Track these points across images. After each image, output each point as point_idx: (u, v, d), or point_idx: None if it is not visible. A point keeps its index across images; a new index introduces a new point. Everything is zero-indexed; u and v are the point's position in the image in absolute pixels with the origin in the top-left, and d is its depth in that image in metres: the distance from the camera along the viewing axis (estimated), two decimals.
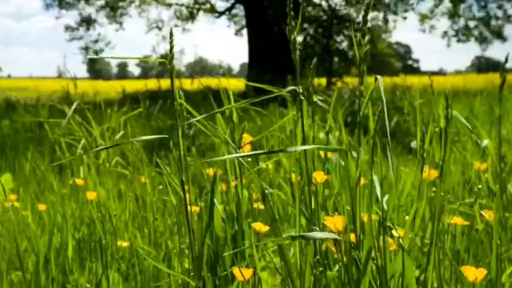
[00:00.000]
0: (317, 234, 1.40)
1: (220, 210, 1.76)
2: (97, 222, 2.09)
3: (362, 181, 1.59)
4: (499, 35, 20.03)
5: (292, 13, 1.62)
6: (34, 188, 3.51)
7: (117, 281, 1.96)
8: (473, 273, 1.47)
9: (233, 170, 1.91)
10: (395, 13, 19.63)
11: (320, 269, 1.47)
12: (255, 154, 1.44)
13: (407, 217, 2.04)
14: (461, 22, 19.90)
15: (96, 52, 21.52)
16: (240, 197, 1.79)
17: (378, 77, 1.49)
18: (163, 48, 22.38)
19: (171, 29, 1.64)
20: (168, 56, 1.65)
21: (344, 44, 19.60)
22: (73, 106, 4.20)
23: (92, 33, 21.89)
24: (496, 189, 2.28)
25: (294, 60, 1.64)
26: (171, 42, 1.64)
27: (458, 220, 1.74)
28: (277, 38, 17.11)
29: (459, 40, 20.34)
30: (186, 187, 1.76)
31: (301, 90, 1.66)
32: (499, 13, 19.48)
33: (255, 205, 1.91)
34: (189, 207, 1.72)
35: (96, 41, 21.60)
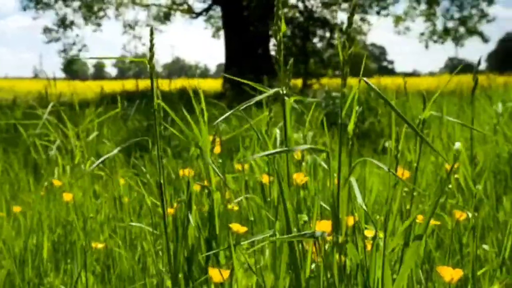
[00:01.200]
0: (301, 235, 1.40)
1: (194, 212, 1.75)
2: (75, 223, 2.07)
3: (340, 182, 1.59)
4: (477, 33, 20.22)
5: (279, 13, 1.61)
6: (8, 190, 3.46)
7: (92, 283, 1.95)
8: (449, 273, 1.48)
9: (208, 171, 1.90)
10: (378, 13, 19.71)
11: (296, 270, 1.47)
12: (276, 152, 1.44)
13: (378, 217, 2.06)
14: (438, 23, 20.08)
15: (75, 56, 21.39)
16: (214, 199, 1.78)
17: (364, 78, 1.50)
18: (136, 47, 22.25)
19: (151, 28, 1.63)
20: (149, 55, 1.64)
21: (320, 46, 19.67)
22: (49, 107, 4.16)
23: (69, 34, 21.73)
24: (466, 189, 2.31)
25: (279, 61, 1.63)
26: (151, 41, 1.62)
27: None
28: (254, 39, 17.15)
29: (435, 41, 20.51)
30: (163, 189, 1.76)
31: (284, 92, 1.65)
32: (475, 12, 19.69)
33: (229, 206, 1.91)
34: (165, 210, 1.72)
35: (73, 44, 21.42)
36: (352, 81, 1.66)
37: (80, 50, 21.54)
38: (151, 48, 1.63)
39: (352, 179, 1.40)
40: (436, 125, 4.32)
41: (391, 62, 76.06)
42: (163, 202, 1.66)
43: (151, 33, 1.63)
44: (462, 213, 1.86)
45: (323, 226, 1.45)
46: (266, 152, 1.39)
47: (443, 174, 2.68)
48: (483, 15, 19.50)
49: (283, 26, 1.57)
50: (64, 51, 21.63)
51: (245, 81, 1.70)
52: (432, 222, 1.76)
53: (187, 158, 4.32)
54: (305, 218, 1.68)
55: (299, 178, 1.81)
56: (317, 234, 1.38)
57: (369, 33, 24.31)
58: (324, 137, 4.07)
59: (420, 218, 1.74)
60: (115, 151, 1.69)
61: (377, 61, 71.03)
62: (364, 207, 1.37)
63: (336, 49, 1.51)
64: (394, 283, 1.38)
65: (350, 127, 1.53)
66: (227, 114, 1.65)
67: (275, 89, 1.61)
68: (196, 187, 1.93)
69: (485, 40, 20.39)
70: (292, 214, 1.49)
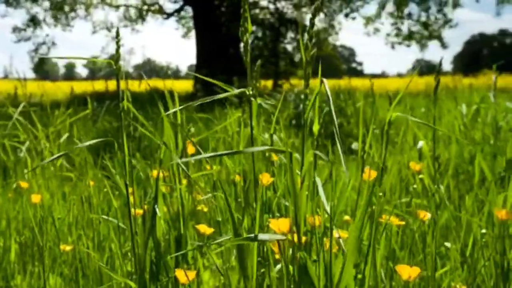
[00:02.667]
0: (263, 236, 1.40)
1: (161, 213, 1.74)
2: (43, 225, 2.05)
3: (306, 182, 1.60)
4: (437, 38, 20.46)
5: (246, 14, 1.60)
6: None
7: (60, 285, 1.93)
8: (407, 271, 1.50)
9: (177, 172, 1.90)
10: (346, 15, 19.83)
11: (262, 270, 1.47)
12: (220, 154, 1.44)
13: (346, 217, 2.08)
14: (404, 26, 20.26)
15: (44, 55, 21.15)
16: (183, 200, 1.78)
17: (324, 80, 1.50)
18: (112, 49, 22.03)
19: (117, 29, 1.62)
20: (114, 57, 1.62)
21: (291, 47, 19.74)
22: (20, 108, 4.10)
23: (39, 34, 21.45)
24: (430, 189, 2.34)
25: (246, 62, 1.63)
26: (117, 42, 1.61)
27: (393, 220, 1.78)
28: (224, 40, 17.13)
29: (400, 43, 20.70)
30: (130, 190, 1.74)
31: (251, 92, 1.65)
32: (439, 17, 19.92)
33: (198, 207, 1.91)
34: (132, 210, 1.71)
35: (43, 43, 21.16)
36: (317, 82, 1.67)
37: (49, 49, 21.30)
38: (117, 50, 1.62)
39: (317, 179, 1.41)
40: (404, 126, 4.37)
41: (360, 64, 76.66)
42: (129, 203, 1.65)
43: (117, 35, 1.62)
44: (426, 213, 1.88)
45: (281, 225, 1.45)
46: (220, 153, 1.38)
47: (408, 174, 2.71)
48: (447, 20, 19.76)
49: (250, 27, 1.57)
50: (35, 50, 21.37)
51: (215, 82, 1.70)
52: (397, 222, 1.78)
53: (157, 159, 4.29)
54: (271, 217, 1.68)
55: (265, 178, 1.81)
56: (261, 237, 1.38)
57: (339, 35, 24.44)
58: (293, 138, 4.09)
59: (384, 218, 1.76)
60: (80, 145, 1.68)
61: (347, 63, 71.53)
62: (327, 207, 1.37)
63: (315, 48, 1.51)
64: (357, 283, 1.39)
65: (315, 127, 1.54)
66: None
67: (240, 89, 1.61)
68: (164, 188, 1.92)
69: (444, 45, 20.65)
70: (258, 214, 1.50)
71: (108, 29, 21.43)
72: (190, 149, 1.98)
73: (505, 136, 3.89)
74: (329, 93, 1.48)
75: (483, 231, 2.03)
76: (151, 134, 1.87)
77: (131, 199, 1.73)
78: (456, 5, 19.54)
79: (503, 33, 70.79)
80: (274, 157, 2.25)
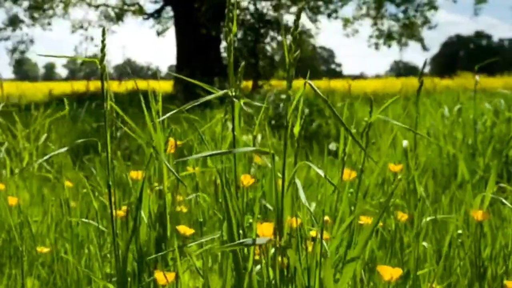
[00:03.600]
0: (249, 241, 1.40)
1: (146, 214, 1.72)
2: (20, 227, 2.02)
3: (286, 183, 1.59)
4: (418, 40, 20.58)
5: (230, 15, 1.59)
6: None
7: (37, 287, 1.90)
8: (389, 272, 1.50)
9: (158, 174, 1.88)
10: (329, 15, 19.86)
11: (243, 271, 1.47)
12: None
13: (326, 217, 2.07)
14: (384, 27, 20.34)
15: (22, 52, 20.93)
16: (165, 201, 1.76)
17: (309, 82, 1.50)
18: (86, 48, 21.76)
19: (103, 29, 1.60)
20: (100, 56, 1.60)
21: (271, 48, 19.75)
22: None
23: (18, 33, 21.22)
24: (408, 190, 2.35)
25: (229, 62, 1.62)
26: (103, 42, 1.59)
27: (371, 221, 1.77)
28: (205, 41, 17.07)
29: (377, 44, 20.78)
30: (112, 191, 1.73)
31: (233, 94, 1.64)
32: (418, 18, 20.03)
33: (178, 208, 1.89)
34: (114, 212, 1.69)
35: (22, 42, 20.94)
36: (301, 83, 1.67)
37: (27, 47, 21.09)
38: (102, 49, 1.60)
39: (297, 181, 1.40)
40: (382, 127, 4.39)
41: (339, 65, 76.95)
42: (111, 204, 1.64)
43: (103, 34, 1.60)
44: (404, 214, 1.89)
45: (265, 229, 1.44)
46: (206, 153, 1.37)
47: (386, 175, 2.72)
48: (425, 22, 19.88)
49: (234, 28, 1.56)
50: (14, 50, 21.16)
51: (196, 82, 1.69)
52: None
53: (137, 160, 4.26)
54: (250, 219, 1.68)
55: (246, 180, 1.80)
56: (248, 242, 1.37)
57: (318, 36, 24.45)
58: (272, 139, 4.09)
59: (364, 219, 1.76)
60: (61, 150, 1.66)
61: (326, 64, 71.75)
62: (308, 206, 1.36)
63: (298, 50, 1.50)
64: (337, 284, 1.39)
65: (296, 129, 1.53)
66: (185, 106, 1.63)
67: (223, 91, 1.60)
68: (147, 190, 1.91)
69: (424, 48, 20.79)
70: (238, 215, 1.49)
71: (85, 28, 21.23)
72: (172, 149, 1.96)
73: (483, 137, 3.92)
74: (319, 92, 1.46)
75: (459, 231, 2.04)
76: (137, 136, 1.85)
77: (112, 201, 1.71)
78: (432, 7, 19.67)
79: (479, 35, 71.56)
80: (257, 159, 2.24)
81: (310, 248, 1.50)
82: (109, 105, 1.64)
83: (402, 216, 1.86)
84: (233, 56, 1.62)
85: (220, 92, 1.61)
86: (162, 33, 21.61)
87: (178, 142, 1.97)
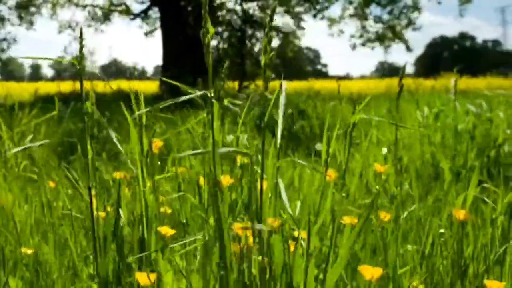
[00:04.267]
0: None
1: (124, 215, 1.72)
2: (3, 228, 2.00)
3: (266, 184, 1.59)
4: (403, 41, 20.64)
5: (207, 16, 1.58)
6: None
7: None
8: (370, 272, 1.51)
9: (141, 174, 1.87)
10: (314, 16, 19.87)
11: (222, 272, 1.46)
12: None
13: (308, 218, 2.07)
14: (369, 27, 20.38)
15: (3, 50, 20.79)
16: (147, 202, 1.75)
17: (283, 82, 1.49)
18: (75, 48, 21.65)
19: (81, 29, 1.59)
20: (78, 57, 1.59)
21: (257, 48, 19.74)
22: None
23: (2, 32, 21.05)
24: (392, 191, 2.36)
25: (207, 63, 1.61)
26: (81, 42, 1.58)
27: (352, 220, 1.77)
28: (191, 41, 17.01)
29: (363, 45, 20.82)
30: (93, 192, 1.72)
31: (212, 94, 1.63)
32: (403, 19, 20.10)
33: (161, 209, 1.88)
34: (95, 213, 1.68)
35: (4, 39, 20.78)
36: (287, 84, 1.66)
37: (9, 46, 20.93)
38: (80, 50, 1.59)
39: (279, 181, 1.39)
40: (367, 128, 4.40)
41: (325, 66, 77.00)
42: (92, 206, 1.63)
43: (81, 34, 1.59)
44: (387, 214, 1.90)
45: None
46: (188, 152, 1.37)
47: (370, 176, 2.73)
48: (410, 23, 19.94)
49: (212, 29, 1.55)
50: (2, 50, 21.02)
51: (179, 84, 1.68)
52: (355, 222, 1.78)
53: (125, 160, 4.23)
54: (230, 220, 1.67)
55: (226, 180, 1.79)
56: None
57: (304, 36, 24.48)
58: (258, 139, 4.08)
59: (346, 220, 1.75)
60: (38, 143, 1.64)
61: (312, 64, 71.84)
62: (288, 208, 1.36)
63: (274, 51, 1.49)
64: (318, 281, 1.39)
65: (277, 132, 1.53)
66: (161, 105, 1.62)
67: (201, 92, 1.59)
68: (127, 191, 1.90)
69: (409, 49, 20.84)
70: (223, 216, 1.49)
71: (72, 29, 21.10)
72: (155, 150, 1.95)
73: (464, 137, 3.95)
74: (283, 98, 1.46)
75: (442, 230, 2.06)
76: (116, 138, 1.84)
77: (94, 201, 1.70)
78: (416, 8, 19.75)
79: (463, 36, 72.00)
80: (239, 159, 2.24)
81: (292, 248, 1.50)
82: (89, 106, 1.63)
83: (385, 216, 1.87)
84: (218, 56, 1.62)
85: (198, 93, 1.60)
86: (150, 33, 21.52)
87: (159, 143, 1.96)
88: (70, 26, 21.04)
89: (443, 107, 4.90)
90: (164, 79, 1.90)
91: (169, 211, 1.92)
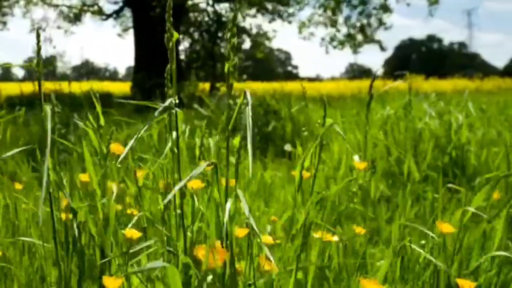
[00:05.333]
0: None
1: (87, 219, 1.68)
2: None
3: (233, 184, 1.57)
4: (376, 42, 20.76)
5: (171, 19, 1.54)
6: None
7: None
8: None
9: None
10: (283, 18, 19.87)
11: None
12: None
13: (273, 217, 2.06)
14: (340, 29, 20.46)
15: None
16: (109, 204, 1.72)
17: (247, 90, 1.47)
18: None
19: (37, 31, 1.54)
20: (36, 60, 1.55)
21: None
22: None
23: None
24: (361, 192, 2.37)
25: (171, 70, 1.58)
26: (38, 44, 1.53)
27: (326, 236, 1.75)
28: (162, 42, 16.87)
29: (335, 47, 20.90)
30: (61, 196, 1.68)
31: (177, 101, 1.59)
32: (373, 21, 20.24)
33: (129, 211, 1.85)
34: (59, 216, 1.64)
35: None
36: (257, 85, 1.65)
37: None
38: (37, 52, 1.54)
39: (239, 191, 1.35)
40: (335, 129, 4.40)
41: (296, 67, 77.15)
42: (53, 212, 1.59)
43: (37, 37, 1.54)
44: (361, 229, 1.89)
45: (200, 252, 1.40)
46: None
47: (338, 177, 2.73)
48: (381, 24, 20.09)
49: (176, 34, 1.52)
50: None
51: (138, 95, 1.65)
52: (328, 238, 1.77)
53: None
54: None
55: (195, 185, 1.76)
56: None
57: (275, 38, 24.44)
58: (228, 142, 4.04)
59: (317, 234, 1.73)
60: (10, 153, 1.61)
61: (283, 66, 71.92)
62: (251, 219, 1.31)
63: (244, 53, 1.47)
64: None
65: (237, 139, 1.50)
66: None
67: (165, 104, 1.54)
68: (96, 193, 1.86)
69: (382, 48, 21.00)
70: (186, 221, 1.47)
71: (43, 29, 20.77)
72: (116, 151, 1.90)
73: (425, 136, 3.98)
74: (249, 105, 1.44)
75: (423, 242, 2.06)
76: (72, 142, 1.80)
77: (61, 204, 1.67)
78: (386, 9, 19.89)
79: (431, 38, 72.85)
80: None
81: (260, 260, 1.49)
82: (49, 109, 1.58)
83: (361, 231, 1.87)
84: (189, 58, 1.59)
85: (162, 105, 1.55)
86: (124, 31, 21.30)
87: (116, 146, 1.91)
88: (40, 27, 20.72)
89: (405, 109, 4.94)
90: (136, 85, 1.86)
91: (135, 212, 1.88)
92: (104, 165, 1.66)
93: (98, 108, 1.66)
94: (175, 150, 1.57)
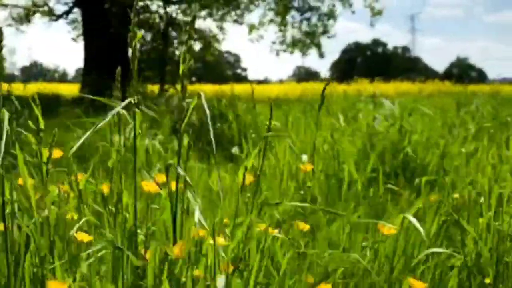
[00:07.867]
0: None
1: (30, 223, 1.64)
2: None
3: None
4: (317, 47, 20.97)
5: (135, 20, 1.53)
6: None
7: None
8: None
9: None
10: (236, 21, 19.84)
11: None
12: None
13: (227, 230, 2.05)
14: (288, 34, 20.58)
15: None
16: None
17: (201, 93, 1.47)
18: None
19: (0, 29, 1.50)
20: None
21: (178, 52, 19.51)
22: None
23: None
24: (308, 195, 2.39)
25: (133, 69, 1.57)
26: (0, 43, 1.49)
27: (271, 230, 1.76)
28: (113, 43, 16.63)
29: (285, 50, 21.01)
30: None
31: (136, 101, 1.57)
32: (319, 27, 20.43)
33: (69, 216, 1.80)
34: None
35: None
36: (207, 87, 1.64)
37: None
38: None
39: (189, 193, 1.36)
40: (281, 131, 4.43)
41: (245, 70, 77.20)
42: (4, 216, 1.55)
43: (0, 34, 1.50)
44: (305, 225, 1.90)
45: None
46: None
47: (285, 180, 2.75)
48: (325, 31, 20.32)
49: (140, 34, 1.50)
50: None
51: (93, 97, 1.63)
52: (272, 232, 1.78)
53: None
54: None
55: (148, 186, 1.75)
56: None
57: (225, 40, 24.39)
58: (172, 143, 4.03)
59: (261, 227, 1.73)
60: None
61: (232, 68, 71.86)
62: (200, 217, 1.32)
63: (195, 54, 1.47)
64: None
65: (184, 141, 1.50)
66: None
67: (126, 101, 1.53)
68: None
69: (321, 55, 21.17)
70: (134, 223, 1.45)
71: None
72: (56, 154, 1.85)
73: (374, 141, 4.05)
74: (206, 108, 1.44)
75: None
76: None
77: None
78: (331, 17, 20.14)
79: (375, 42, 74.04)
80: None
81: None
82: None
83: (304, 227, 1.88)
84: (139, 59, 1.57)
85: (123, 103, 1.54)
86: (78, 37, 20.84)
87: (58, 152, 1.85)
88: None
89: (356, 111, 5.02)
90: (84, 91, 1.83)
91: (75, 216, 1.83)
92: (44, 168, 1.62)
93: (37, 111, 1.62)
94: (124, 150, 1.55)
